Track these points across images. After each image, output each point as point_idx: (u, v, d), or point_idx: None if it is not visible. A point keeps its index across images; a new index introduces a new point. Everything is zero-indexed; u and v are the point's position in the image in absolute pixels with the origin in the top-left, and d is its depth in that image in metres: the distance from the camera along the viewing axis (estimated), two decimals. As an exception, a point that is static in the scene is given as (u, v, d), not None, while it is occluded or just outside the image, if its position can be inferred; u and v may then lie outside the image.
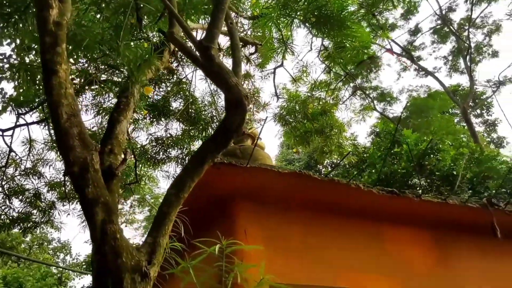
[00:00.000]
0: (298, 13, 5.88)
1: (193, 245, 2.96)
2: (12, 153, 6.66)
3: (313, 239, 4.20)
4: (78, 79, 5.02)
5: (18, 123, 6.22)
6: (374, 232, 4.51)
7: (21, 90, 4.85)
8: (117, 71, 5.16)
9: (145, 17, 4.81)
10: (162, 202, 2.90)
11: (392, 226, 4.61)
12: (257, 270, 2.92)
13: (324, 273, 4.06)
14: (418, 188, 10.61)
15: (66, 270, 19.70)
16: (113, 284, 2.52)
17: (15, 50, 4.44)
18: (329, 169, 16.46)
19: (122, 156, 3.39)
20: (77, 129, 2.71)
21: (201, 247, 2.83)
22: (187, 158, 7.68)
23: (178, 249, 2.95)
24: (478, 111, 23.30)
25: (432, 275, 4.52)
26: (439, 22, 22.05)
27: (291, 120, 8.37)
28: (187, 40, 4.29)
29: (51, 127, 6.34)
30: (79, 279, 20.66)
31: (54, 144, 6.62)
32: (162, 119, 7.47)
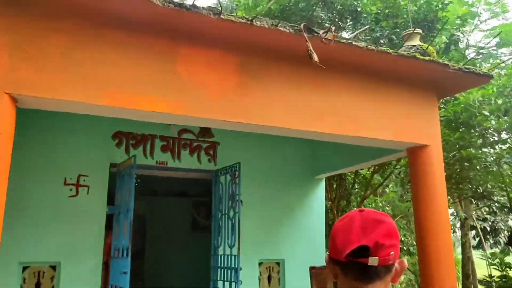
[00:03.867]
0: None
1: None
2: None
3: (82, 53, 3.71)
4: None
5: None
6: (165, 51, 4.07)
7: None
8: None
9: None
10: None
11: (188, 46, 4.17)
12: None
13: (89, 90, 3.70)
14: (320, 22, 10.07)
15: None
16: None
17: None
18: None
19: None
20: None
21: None
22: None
23: None
24: None
25: (229, 100, 4.28)
26: None
27: None
28: None
29: None
30: None
31: None
32: None
